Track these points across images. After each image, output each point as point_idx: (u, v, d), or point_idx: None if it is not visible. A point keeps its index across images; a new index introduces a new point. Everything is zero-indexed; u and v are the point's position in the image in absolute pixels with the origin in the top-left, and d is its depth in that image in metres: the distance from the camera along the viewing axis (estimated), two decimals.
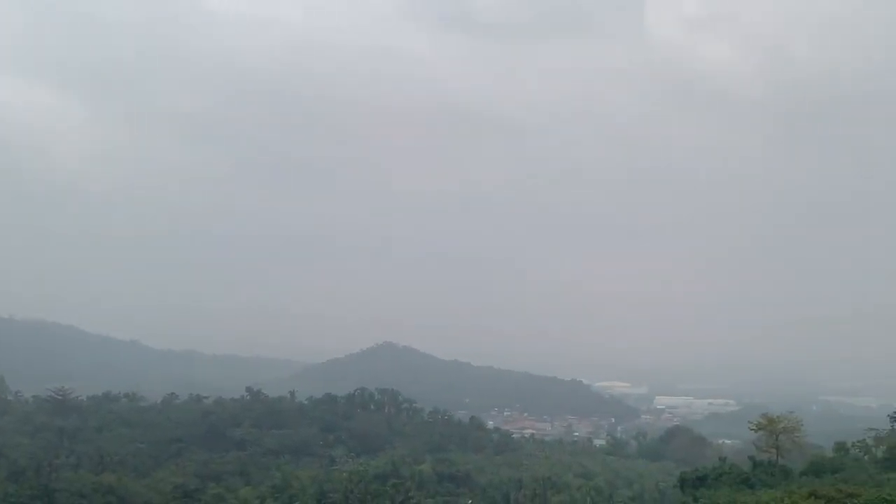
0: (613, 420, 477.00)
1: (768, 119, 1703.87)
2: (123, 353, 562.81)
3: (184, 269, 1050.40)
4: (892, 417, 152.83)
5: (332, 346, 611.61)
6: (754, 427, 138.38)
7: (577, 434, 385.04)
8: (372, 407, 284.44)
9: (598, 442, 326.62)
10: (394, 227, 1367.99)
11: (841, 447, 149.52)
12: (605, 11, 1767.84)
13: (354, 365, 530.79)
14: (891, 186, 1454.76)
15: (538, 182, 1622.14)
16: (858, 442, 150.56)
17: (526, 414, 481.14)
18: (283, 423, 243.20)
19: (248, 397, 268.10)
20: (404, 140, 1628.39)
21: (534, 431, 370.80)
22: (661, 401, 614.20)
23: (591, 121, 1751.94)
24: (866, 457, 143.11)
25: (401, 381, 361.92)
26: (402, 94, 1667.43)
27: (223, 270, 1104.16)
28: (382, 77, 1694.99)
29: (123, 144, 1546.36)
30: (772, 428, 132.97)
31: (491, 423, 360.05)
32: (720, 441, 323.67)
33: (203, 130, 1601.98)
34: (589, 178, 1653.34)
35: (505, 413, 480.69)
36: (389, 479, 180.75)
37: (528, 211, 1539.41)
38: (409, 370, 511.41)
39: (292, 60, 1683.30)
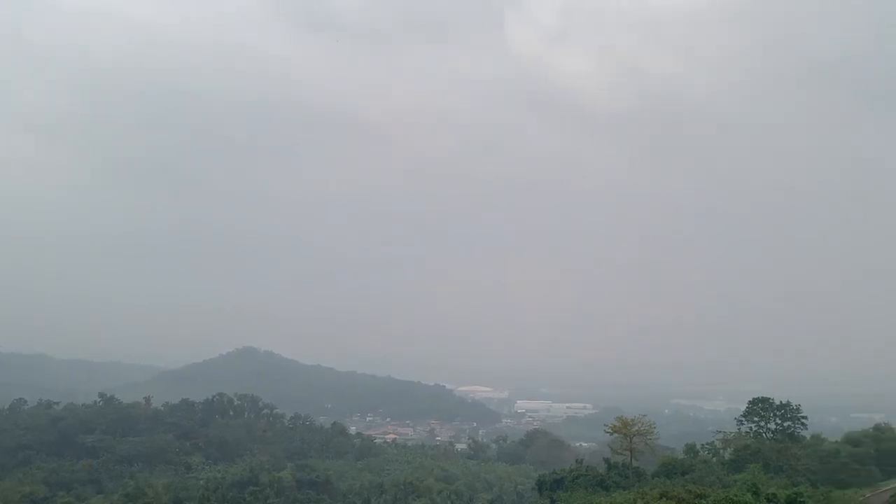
0: (475, 424, 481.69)
1: (624, 131, 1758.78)
2: None
3: (34, 268, 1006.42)
4: (738, 420, 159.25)
5: (190, 351, 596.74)
6: (610, 430, 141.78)
7: (439, 438, 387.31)
8: (231, 413, 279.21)
9: (460, 446, 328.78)
10: (258, 229, 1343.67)
11: (691, 449, 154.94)
12: (468, 22, 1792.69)
13: (213, 370, 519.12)
14: (740, 198, 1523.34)
15: (403, 187, 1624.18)
16: (707, 444, 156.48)
17: (388, 419, 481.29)
18: (137, 430, 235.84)
19: (101, 403, 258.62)
20: (268, 140, 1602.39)
21: (396, 436, 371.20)
22: (522, 405, 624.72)
23: (456, 129, 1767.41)
24: (714, 458, 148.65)
25: (261, 387, 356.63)
26: (266, 94, 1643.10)
27: (75, 270, 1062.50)
28: (244, 76, 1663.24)
29: None
30: (626, 431, 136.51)
31: (353, 428, 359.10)
32: (578, 444, 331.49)
33: (56, 127, 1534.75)
34: (455, 185, 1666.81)
35: (367, 418, 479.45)
36: (248, 487, 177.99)
37: (394, 216, 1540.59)
38: (271, 375, 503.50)
39: (149, 56, 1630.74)
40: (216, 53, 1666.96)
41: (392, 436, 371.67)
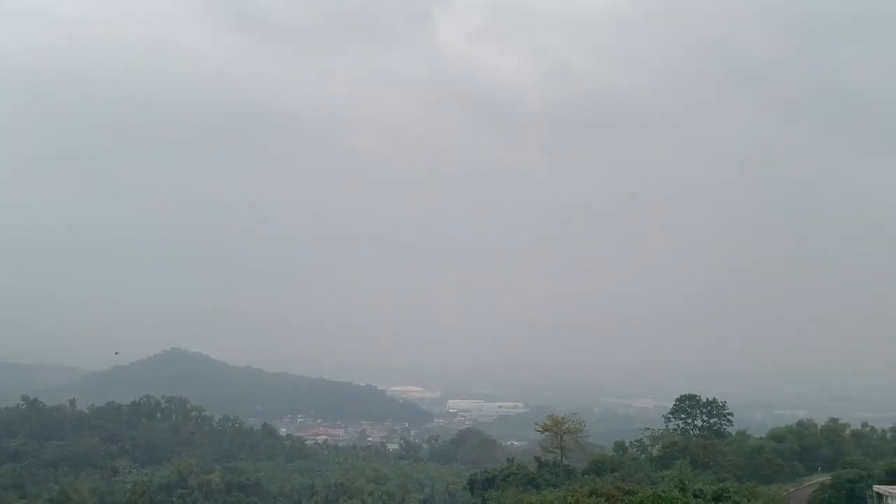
0: (407, 424, 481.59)
1: (553, 130, 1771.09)
2: None
3: None
4: (666, 417, 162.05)
5: (116, 352, 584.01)
6: (541, 428, 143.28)
7: (370, 439, 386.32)
8: (158, 415, 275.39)
9: (392, 446, 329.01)
10: (184, 230, 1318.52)
11: (620, 446, 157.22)
12: (396, 21, 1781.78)
13: (140, 372, 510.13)
14: (668, 198, 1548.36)
15: (331, 187, 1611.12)
16: (636, 441, 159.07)
17: (320, 420, 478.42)
18: (62, 434, 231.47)
19: (25, 406, 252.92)
20: (195, 141, 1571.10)
21: (327, 437, 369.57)
22: (454, 404, 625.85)
23: (384, 128, 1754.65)
24: (643, 455, 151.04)
25: (190, 389, 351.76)
26: (193, 94, 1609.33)
27: None
28: (171, 75, 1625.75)
29: None
30: (557, 429, 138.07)
31: (284, 430, 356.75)
32: (509, 442, 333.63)
33: None
34: (382, 184, 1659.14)
35: (298, 419, 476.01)
36: (176, 490, 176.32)
37: (322, 216, 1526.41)
38: (199, 377, 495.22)
39: (72, 56, 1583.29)
40: (147, 51, 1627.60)
41: (323, 437, 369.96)
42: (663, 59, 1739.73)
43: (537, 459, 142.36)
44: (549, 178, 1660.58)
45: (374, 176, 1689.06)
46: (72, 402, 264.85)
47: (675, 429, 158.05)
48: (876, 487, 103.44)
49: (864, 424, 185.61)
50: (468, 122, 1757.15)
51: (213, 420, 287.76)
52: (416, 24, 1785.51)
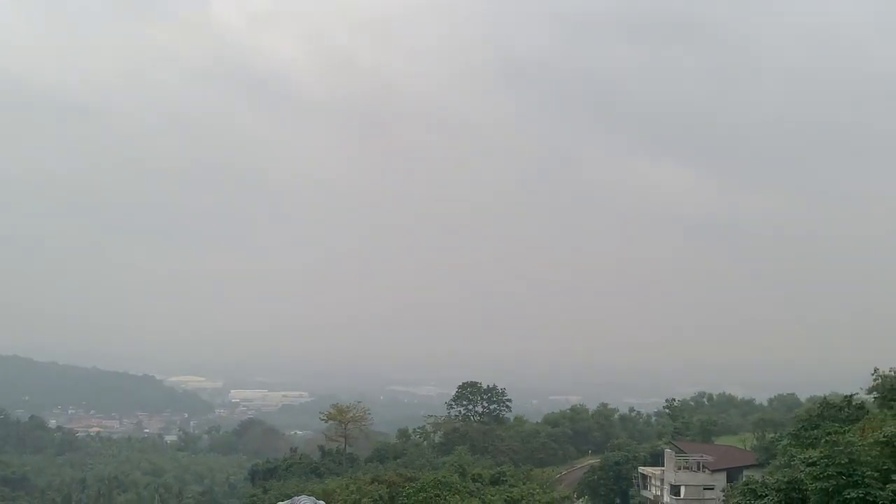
0: (187, 415, 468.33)
1: (334, 119, 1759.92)
2: None
3: None
4: (448, 405, 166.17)
5: None
6: (325, 417, 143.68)
7: (147, 431, 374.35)
8: None
9: (170, 438, 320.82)
10: None
11: (403, 434, 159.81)
12: None
13: None
14: (453, 195, 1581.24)
15: (105, 168, 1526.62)
16: (419, 428, 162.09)
17: (93, 411, 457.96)
18: None
19: None
20: None
21: (101, 429, 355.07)
22: (237, 394, 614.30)
23: (156, 107, 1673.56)
24: (425, 442, 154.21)
25: None
26: None
27: None
28: None
29: None
30: (341, 418, 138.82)
31: (53, 421, 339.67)
32: (293, 432, 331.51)
33: None
34: (158, 167, 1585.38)
35: (69, 411, 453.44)
36: None
37: (99, 197, 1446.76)
38: None
39: None
40: None
41: (96, 429, 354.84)
42: (445, 53, 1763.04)
43: (321, 448, 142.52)
44: (335, 168, 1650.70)
45: (143, 157, 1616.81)
46: None
47: (456, 415, 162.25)
48: (640, 469, 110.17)
49: (631, 409, 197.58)
50: (249, 105, 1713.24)
51: None
52: (192, 2, 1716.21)
